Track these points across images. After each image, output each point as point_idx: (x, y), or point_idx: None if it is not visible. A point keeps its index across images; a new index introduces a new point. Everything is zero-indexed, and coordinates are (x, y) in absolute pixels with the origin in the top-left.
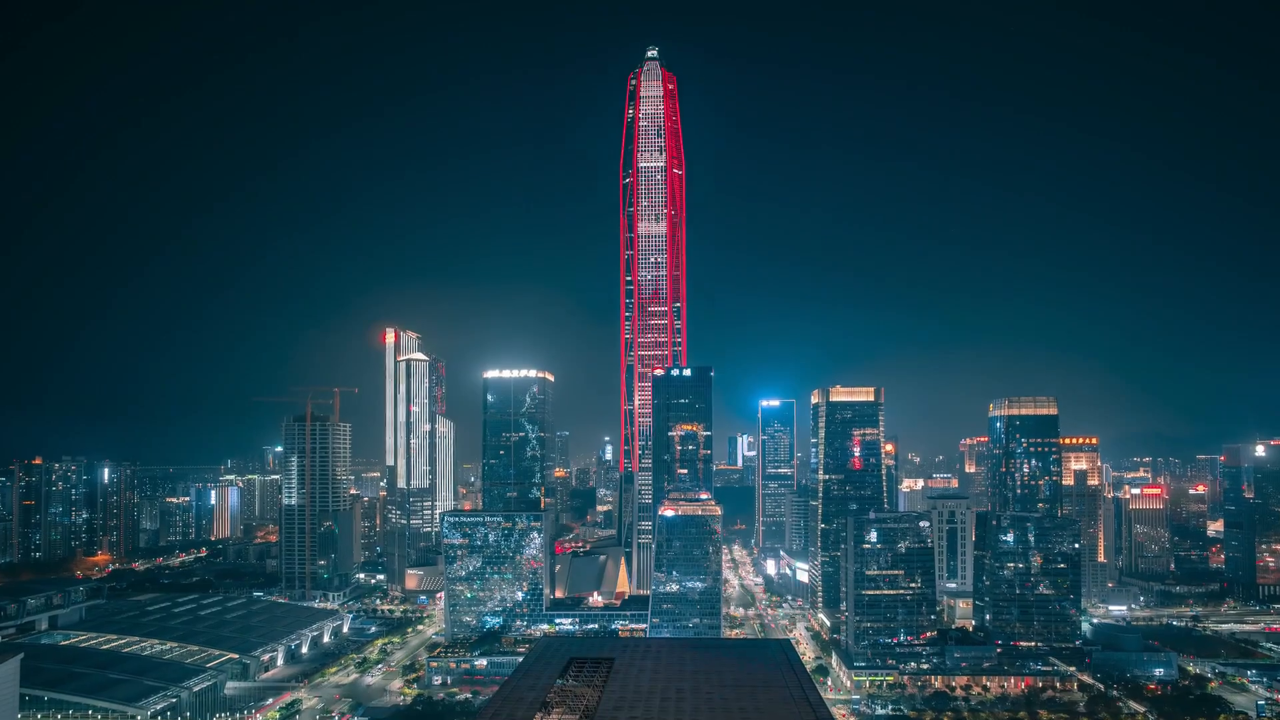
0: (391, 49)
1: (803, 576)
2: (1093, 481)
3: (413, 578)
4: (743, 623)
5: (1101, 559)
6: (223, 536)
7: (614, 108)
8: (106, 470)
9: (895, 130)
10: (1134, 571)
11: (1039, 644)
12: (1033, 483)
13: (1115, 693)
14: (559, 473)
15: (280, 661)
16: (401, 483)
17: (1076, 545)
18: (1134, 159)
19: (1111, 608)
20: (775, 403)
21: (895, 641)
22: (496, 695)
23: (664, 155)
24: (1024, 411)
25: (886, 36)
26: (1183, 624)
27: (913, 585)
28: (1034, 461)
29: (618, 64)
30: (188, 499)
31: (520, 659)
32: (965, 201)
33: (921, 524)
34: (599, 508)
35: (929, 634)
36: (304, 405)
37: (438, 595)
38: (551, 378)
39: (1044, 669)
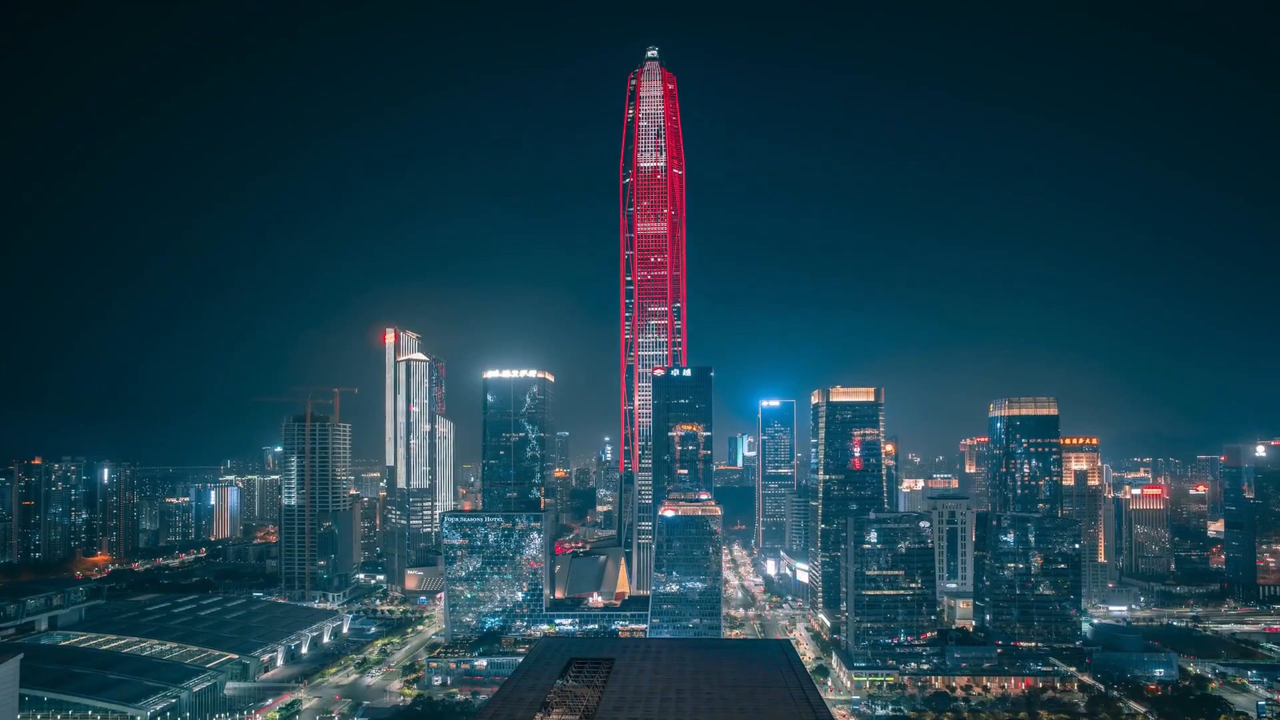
0: (391, 49)
1: (803, 577)
2: (1093, 482)
3: (413, 578)
4: (743, 623)
5: (1102, 559)
6: (222, 537)
7: (614, 108)
8: (106, 470)
9: (895, 130)
10: (1134, 572)
11: (1039, 644)
12: (1033, 483)
13: (1116, 693)
14: (559, 473)
15: (280, 662)
16: (401, 483)
17: (1077, 546)
18: (1134, 159)
19: (1112, 608)
20: (775, 403)
21: (895, 642)
22: (496, 696)
23: (664, 155)
24: (1024, 412)
25: (886, 36)
26: (1183, 624)
27: (913, 585)
28: (1034, 462)
29: (618, 64)
30: (187, 499)
31: (520, 659)
32: (965, 201)
33: (922, 524)
34: (599, 508)
35: (929, 634)
36: (304, 405)
37: (438, 595)
38: (551, 378)
39: (1044, 669)
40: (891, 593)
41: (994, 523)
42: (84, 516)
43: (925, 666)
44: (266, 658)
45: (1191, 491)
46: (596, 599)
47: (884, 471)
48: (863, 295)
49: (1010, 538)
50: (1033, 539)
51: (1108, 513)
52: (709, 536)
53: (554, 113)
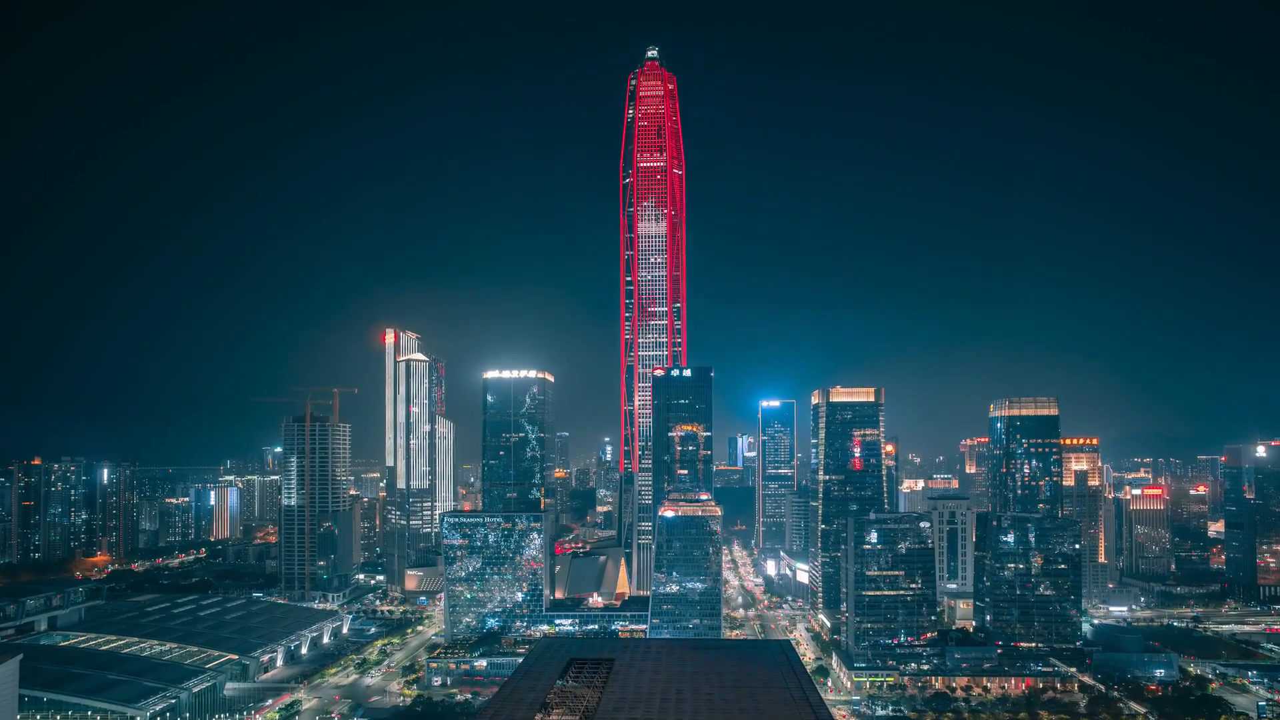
0: (391, 49)
1: (803, 577)
2: (1093, 482)
3: (412, 578)
4: (743, 623)
5: (1102, 560)
6: (222, 537)
7: (614, 108)
8: (106, 471)
9: (896, 129)
10: (1135, 572)
11: (1039, 645)
12: (1033, 483)
13: (1116, 694)
14: (559, 473)
15: (280, 662)
16: (401, 483)
17: (1077, 546)
18: (1134, 159)
19: (1112, 608)
20: (775, 403)
21: (895, 642)
22: (496, 696)
23: (664, 155)
24: (1024, 412)
25: (886, 35)
26: (1183, 625)
27: (913, 586)
28: (1034, 462)
29: (618, 64)
30: (187, 499)
31: (520, 660)
32: (966, 201)
33: (922, 525)
34: (599, 508)
35: (929, 635)
36: (304, 406)
37: (437, 596)
38: (551, 378)
39: (1044, 670)
40: (891, 593)
41: (994, 523)
42: (84, 517)
43: (925, 667)
44: (266, 658)
45: (1192, 492)
46: (596, 599)
47: (884, 472)
48: (863, 295)
49: (1010, 538)
50: (1033, 539)
51: (1108, 513)
52: (709, 537)
53: (554, 113)
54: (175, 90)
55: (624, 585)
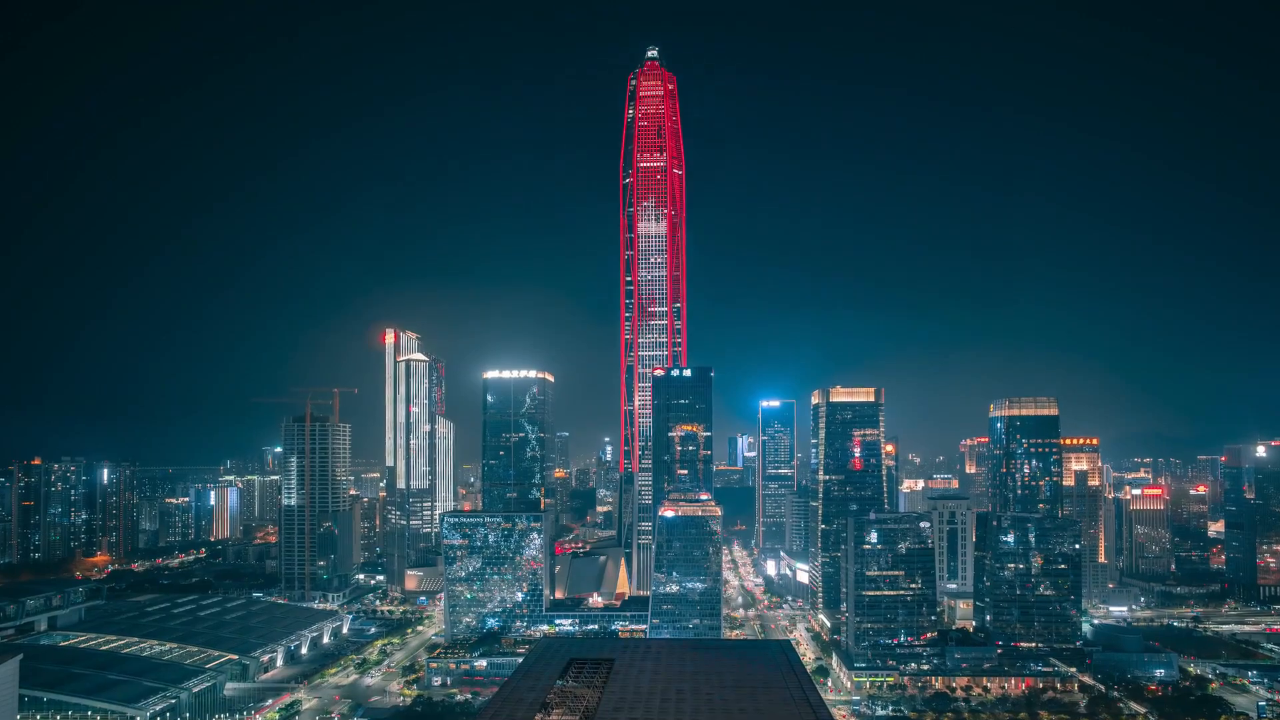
0: (391, 49)
1: (803, 577)
2: (1093, 482)
3: (412, 578)
4: (743, 623)
5: (1102, 560)
6: (222, 537)
7: (614, 108)
8: (106, 471)
9: (896, 129)
10: (1135, 572)
11: (1039, 645)
12: (1033, 483)
13: (1116, 694)
14: (559, 473)
15: (280, 662)
16: (401, 483)
17: (1077, 546)
18: (1134, 159)
19: (1112, 608)
20: (775, 403)
21: (896, 642)
22: (496, 696)
23: (664, 155)
24: (1024, 412)
25: (886, 35)
26: (1183, 625)
27: (913, 586)
28: (1034, 462)
29: (618, 64)
30: (187, 499)
31: (520, 660)
32: (965, 201)
33: (922, 525)
34: (599, 508)
35: (929, 635)
36: (304, 406)
37: (437, 596)
38: (551, 378)
39: (1044, 670)
40: (891, 593)
41: (994, 523)
42: (84, 517)
43: (925, 667)
44: (266, 658)
45: (1192, 492)
46: (596, 599)
47: (884, 472)
48: (863, 295)
49: (1010, 538)
50: (1033, 539)
51: (1108, 513)
52: (709, 537)
53: (554, 113)
54: (175, 90)
55: (624, 585)
